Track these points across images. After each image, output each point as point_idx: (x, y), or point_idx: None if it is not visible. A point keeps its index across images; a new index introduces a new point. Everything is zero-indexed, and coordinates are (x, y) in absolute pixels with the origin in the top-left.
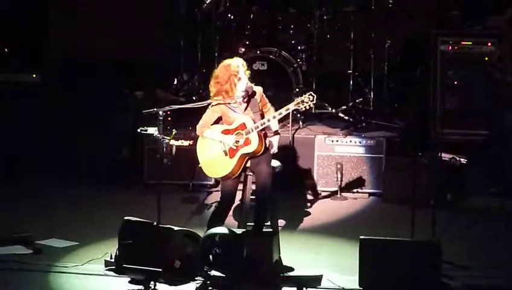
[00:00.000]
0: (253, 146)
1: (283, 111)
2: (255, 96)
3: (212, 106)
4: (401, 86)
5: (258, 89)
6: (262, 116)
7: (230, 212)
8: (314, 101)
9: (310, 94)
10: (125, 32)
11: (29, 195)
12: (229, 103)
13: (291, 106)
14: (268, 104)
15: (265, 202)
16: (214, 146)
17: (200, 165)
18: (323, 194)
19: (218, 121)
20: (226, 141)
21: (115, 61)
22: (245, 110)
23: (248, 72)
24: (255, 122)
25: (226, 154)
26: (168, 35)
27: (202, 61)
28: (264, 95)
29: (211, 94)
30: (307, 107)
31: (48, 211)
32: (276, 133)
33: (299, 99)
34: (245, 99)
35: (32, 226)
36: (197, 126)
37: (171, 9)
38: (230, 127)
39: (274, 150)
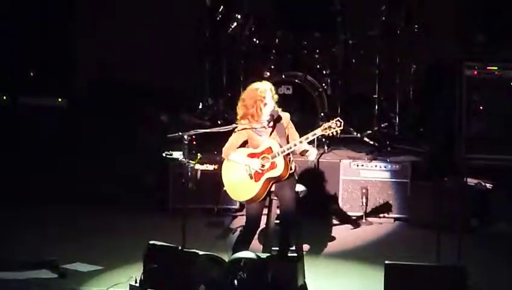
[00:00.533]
0: (279, 170)
1: (310, 136)
2: (281, 122)
3: (239, 129)
4: (426, 110)
5: (286, 115)
6: (288, 142)
7: (256, 237)
8: (342, 127)
9: (338, 120)
10: (149, 55)
11: (54, 219)
12: (255, 128)
13: (318, 131)
14: (294, 131)
15: (290, 227)
16: (240, 169)
17: (224, 188)
18: (348, 218)
19: (244, 144)
20: (251, 164)
21: (140, 84)
22: (270, 134)
23: (276, 96)
24: (281, 147)
25: (251, 178)
26: (194, 59)
27: (227, 85)
28: (291, 122)
29: (238, 117)
30: (334, 133)
31: (73, 235)
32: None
33: (326, 125)
34: (270, 124)
35: (58, 250)
36: (223, 149)
37: (197, 33)
38: (256, 151)
39: (311, 158)
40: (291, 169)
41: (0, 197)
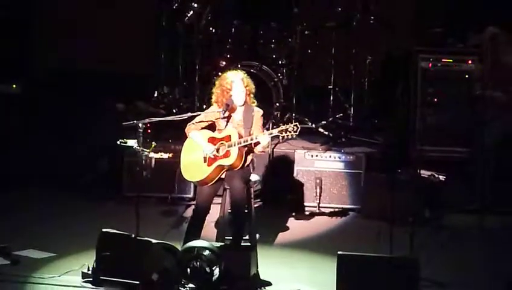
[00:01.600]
0: (231, 159)
1: (266, 134)
2: (252, 114)
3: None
4: (381, 102)
5: (258, 110)
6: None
7: (210, 226)
8: (297, 133)
9: (295, 125)
10: (107, 43)
11: (6, 206)
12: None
13: (275, 132)
14: (259, 128)
15: (241, 217)
16: (197, 150)
17: (180, 168)
18: (302, 209)
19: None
20: (205, 148)
21: (95, 72)
22: (226, 124)
23: (251, 87)
24: (241, 138)
25: (204, 161)
26: (150, 48)
27: (183, 74)
28: (260, 119)
29: (212, 100)
30: (289, 137)
31: (26, 222)
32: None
33: (283, 127)
34: (225, 113)
35: (10, 237)
36: (188, 123)
37: (154, 21)
38: (217, 136)
39: (261, 147)
40: (245, 161)
41: None
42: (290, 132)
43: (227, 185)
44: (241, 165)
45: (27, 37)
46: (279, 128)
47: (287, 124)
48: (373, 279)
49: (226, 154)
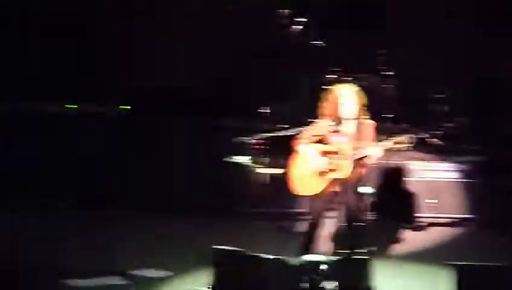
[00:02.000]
0: (344, 172)
1: (380, 147)
2: (363, 127)
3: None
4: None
5: (370, 122)
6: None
7: (325, 239)
8: (413, 144)
9: (411, 136)
10: (218, 60)
11: (120, 227)
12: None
13: (389, 144)
14: (373, 139)
15: (355, 230)
16: (309, 164)
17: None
18: (417, 220)
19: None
20: (318, 162)
21: (210, 90)
22: (337, 137)
23: (364, 100)
24: (354, 150)
25: (317, 175)
26: (260, 64)
27: (293, 89)
28: (373, 130)
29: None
30: (404, 149)
31: (143, 241)
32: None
33: (398, 139)
34: (337, 126)
35: (126, 257)
36: (297, 137)
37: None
38: (329, 149)
39: (374, 159)
40: (358, 173)
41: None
42: (405, 143)
43: (341, 198)
44: (354, 177)
45: (132, 57)
46: (394, 140)
47: (401, 135)
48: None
49: (339, 167)
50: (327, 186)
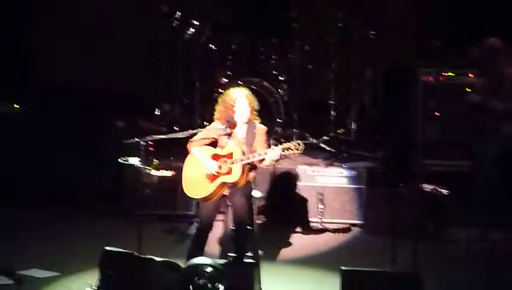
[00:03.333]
0: (234, 177)
1: (268, 152)
2: (255, 131)
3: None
4: (382, 116)
5: (261, 128)
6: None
7: (213, 242)
8: (301, 151)
9: (298, 143)
10: (106, 60)
11: (8, 225)
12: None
13: (278, 150)
14: (262, 144)
15: (243, 233)
16: (199, 166)
17: (181, 185)
18: (305, 224)
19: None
20: (208, 165)
21: (95, 89)
22: (228, 141)
23: (255, 104)
24: (244, 155)
25: (207, 178)
26: (150, 65)
27: (184, 91)
28: (263, 136)
29: (214, 116)
30: (292, 155)
31: (29, 241)
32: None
33: (286, 145)
34: (227, 130)
35: (13, 256)
36: (190, 140)
37: (153, 38)
38: (219, 153)
39: (269, 161)
40: (247, 177)
41: None
42: (292, 149)
43: (229, 202)
44: (243, 182)
45: (27, 55)
46: (282, 146)
47: (289, 141)
48: None
49: (229, 172)
50: (216, 190)
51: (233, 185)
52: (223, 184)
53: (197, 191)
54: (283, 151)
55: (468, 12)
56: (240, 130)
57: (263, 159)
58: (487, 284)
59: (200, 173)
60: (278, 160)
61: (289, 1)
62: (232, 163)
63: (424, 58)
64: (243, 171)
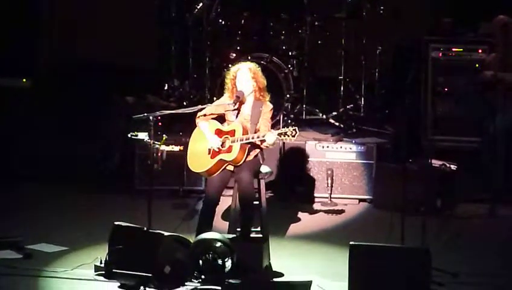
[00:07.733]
0: (232, 155)
1: (266, 134)
2: (260, 109)
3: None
4: (392, 92)
5: (267, 105)
6: (256, 132)
7: (221, 217)
8: (295, 137)
9: (294, 129)
10: (115, 36)
11: (17, 201)
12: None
13: (275, 133)
14: (266, 123)
15: (248, 208)
16: (204, 141)
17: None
18: (313, 200)
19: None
20: (210, 140)
21: (106, 66)
22: (237, 116)
23: (262, 80)
24: (246, 133)
25: (208, 153)
26: (159, 40)
27: (193, 66)
28: (268, 113)
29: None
30: (287, 140)
31: (38, 215)
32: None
33: (282, 130)
34: (235, 105)
35: (22, 231)
36: (199, 112)
37: (162, 14)
38: (223, 129)
39: (267, 144)
40: (246, 157)
41: None
42: (288, 135)
43: (235, 178)
44: (242, 161)
45: (35, 33)
46: (279, 131)
47: (288, 126)
48: (385, 269)
49: (229, 150)
50: (215, 166)
51: (231, 164)
52: (222, 161)
53: (196, 165)
54: (279, 136)
55: None
56: (247, 107)
57: (264, 140)
58: (495, 260)
59: (203, 147)
60: (273, 144)
61: None
62: (233, 141)
63: (433, 33)
64: (242, 150)
